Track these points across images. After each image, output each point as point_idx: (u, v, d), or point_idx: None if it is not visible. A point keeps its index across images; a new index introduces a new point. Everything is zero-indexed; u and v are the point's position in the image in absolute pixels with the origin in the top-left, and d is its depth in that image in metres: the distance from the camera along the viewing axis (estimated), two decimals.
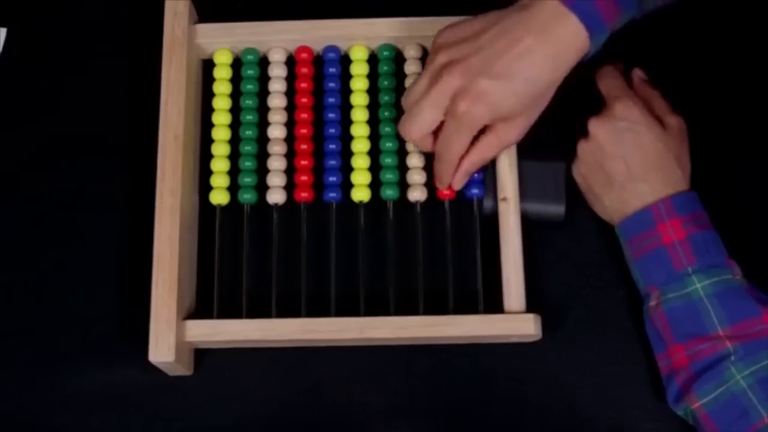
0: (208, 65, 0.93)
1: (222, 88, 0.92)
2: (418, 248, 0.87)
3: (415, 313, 0.85)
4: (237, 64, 0.92)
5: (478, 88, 0.78)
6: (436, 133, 0.83)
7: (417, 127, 0.82)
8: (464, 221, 0.88)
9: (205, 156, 0.91)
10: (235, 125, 0.91)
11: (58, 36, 0.96)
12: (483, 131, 0.82)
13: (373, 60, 0.92)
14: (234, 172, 0.90)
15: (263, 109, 0.91)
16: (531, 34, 0.77)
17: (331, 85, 0.91)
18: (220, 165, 0.90)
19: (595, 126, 0.85)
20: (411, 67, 0.91)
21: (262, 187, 0.89)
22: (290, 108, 0.91)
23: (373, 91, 0.92)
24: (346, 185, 0.89)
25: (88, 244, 0.91)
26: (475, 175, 0.87)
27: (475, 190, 0.88)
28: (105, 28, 0.96)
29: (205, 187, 0.90)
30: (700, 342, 0.80)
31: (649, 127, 0.84)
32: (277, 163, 0.89)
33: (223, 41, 0.91)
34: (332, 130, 0.90)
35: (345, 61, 0.92)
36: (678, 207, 0.83)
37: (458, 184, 0.86)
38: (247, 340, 0.85)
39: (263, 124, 0.91)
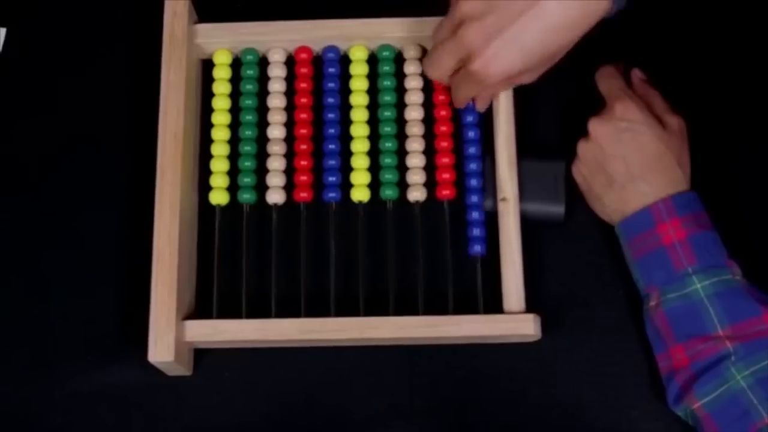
0: (207, 65, 0.93)
1: (221, 88, 0.92)
2: (417, 248, 0.87)
3: (414, 313, 0.85)
4: (236, 64, 0.92)
5: (493, 51, 0.77)
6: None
7: (436, 71, 0.83)
8: (464, 221, 0.88)
9: (204, 156, 0.91)
10: (234, 125, 0.91)
11: (58, 36, 0.96)
12: None
13: (372, 60, 0.92)
14: (233, 172, 0.90)
15: (263, 109, 0.91)
16: None
17: (331, 85, 0.91)
18: (219, 165, 0.90)
19: (595, 126, 0.85)
20: (411, 68, 0.91)
21: (261, 187, 0.89)
22: (290, 108, 0.91)
23: (372, 92, 0.92)
24: (346, 185, 0.89)
25: (88, 243, 0.91)
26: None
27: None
28: (105, 28, 0.97)
29: (204, 187, 0.90)
30: (701, 342, 0.80)
31: (649, 127, 0.84)
32: (276, 163, 0.89)
33: (223, 41, 0.91)
34: (332, 130, 0.90)
35: (345, 61, 0.92)
36: (678, 207, 0.83)
37: (483, 106, 0.88)
38: (246, 340, 0.85)
39: (263, 124, 0.91)
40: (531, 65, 0.79)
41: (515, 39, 0.77)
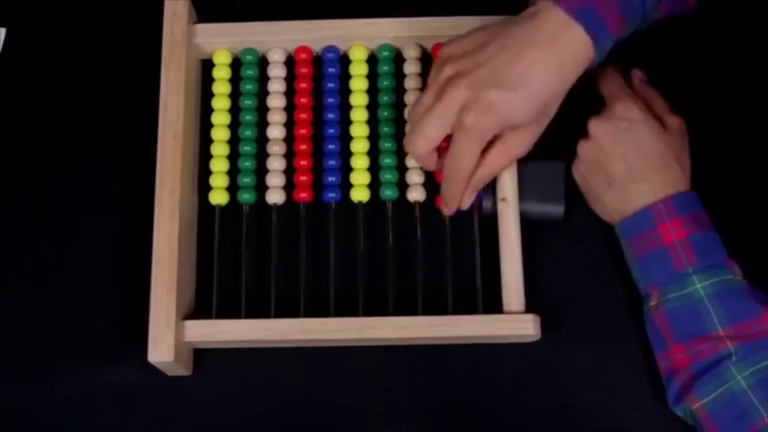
0: (207, 65, 0.93)
1: (221, 88, 0.92)
2: (417, 248, 0.87)
3: (414, 313, 0.85)
4: (236, 65, 0.92)
5: (487, 99, 0.77)
6: (440, 152, 0.82)
7: (423, 141, 0.81)
8: (464, 221, 0.88)
9: (204, 156, 0.91)
10: (234, 125, 0.91)
11: (58, 36, 0.96)
12: (490, 145, 0.81)
13: (372, 60, 0.92)
14: (233, 173, 0.90)
15: (262, 110, 0.91)
16: (537, 44, 0.77)
17: (330, 85, 0.91)
18: (219, 165, 0.90)
19: (595, 126, 0.85)
20: (411, 67, 0.91)
21: (261, 188, 0.89)
22: (289, 108, 0.91)
23: (372, 92, 0.92)
24: (346, 185, 0.89)
25: (87, 244, 0.91)
26: None
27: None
28: (105, 28, 0.97)
29: (204, 187, 0.90)
30: (701, 342, 0.80)
31: (649, 127, 0.84)
32: (276, 164, 0.89)
33: (223, 41, 0.91)
34: (331, 131, 0.90)
35: (344, 61, 0.92)
36: (678, 207, 0.83)
37: (467, 203, 0.85)
38: (246, 340, 0.85)
39: (262, 124, 0.91)
40: (527, 112, 0.78)
41: (509, 85, 0.77)
